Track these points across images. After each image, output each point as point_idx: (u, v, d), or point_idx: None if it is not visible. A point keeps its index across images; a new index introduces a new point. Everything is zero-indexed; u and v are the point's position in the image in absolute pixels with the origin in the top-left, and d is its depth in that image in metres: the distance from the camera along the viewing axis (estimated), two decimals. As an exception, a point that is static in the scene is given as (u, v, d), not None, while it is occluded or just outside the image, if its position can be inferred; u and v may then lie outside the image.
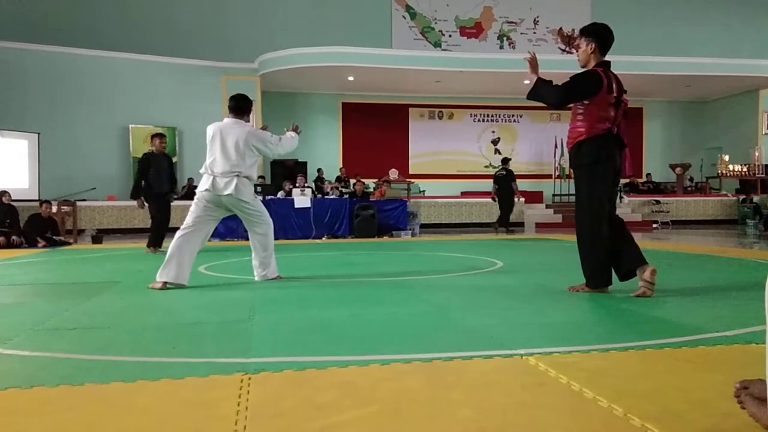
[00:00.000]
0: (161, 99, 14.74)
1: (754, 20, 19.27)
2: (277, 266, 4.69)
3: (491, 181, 12.66)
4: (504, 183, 12.30)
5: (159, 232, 7.75)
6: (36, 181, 13.19)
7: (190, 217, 4.35)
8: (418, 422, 1.57)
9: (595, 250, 3.67)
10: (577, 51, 3.82)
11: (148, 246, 7.71)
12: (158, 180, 7.61)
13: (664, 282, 3.91)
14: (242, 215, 4.50)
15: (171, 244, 4.28)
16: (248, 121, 4.65)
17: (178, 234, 4.31)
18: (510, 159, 13.42)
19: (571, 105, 3.72)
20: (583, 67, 3.76)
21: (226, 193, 4.29)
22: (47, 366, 2.20)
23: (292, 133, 4.82)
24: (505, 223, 12.26)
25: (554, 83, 3.69)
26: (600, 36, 3.70)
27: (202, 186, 4.35)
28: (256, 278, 4.59)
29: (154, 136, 7.87)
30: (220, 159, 4.33)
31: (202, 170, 4.43)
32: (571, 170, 4.02)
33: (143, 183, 7.63)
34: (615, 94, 3.61)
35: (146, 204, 7.71)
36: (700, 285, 4.15)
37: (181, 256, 4.21)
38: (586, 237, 3.72)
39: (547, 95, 3.67)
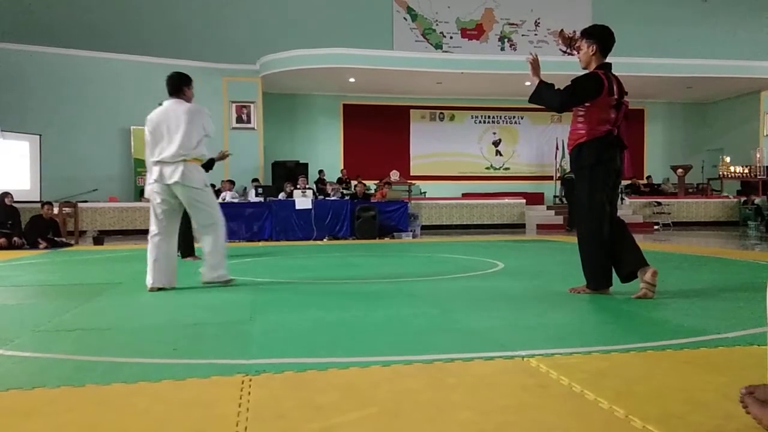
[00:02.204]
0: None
1: (756, 22, 19.26)
2: (228, 269, 4.33)
3: (492, 182, 12.66)
4: (572, 185, 12.60)
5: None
6: (37, 182, 13.22)
7: (152, 221, 4.15)
8: (418, 424, 1.57)
9: (596, 252, 3.67)
10: (578, 53, 3.83)
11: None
12: None
13: (665, 284, 3.91)
14: (189, 205, 4.16)
15: (148, 253, 4.15)
16: (190, 99, 4.30)
17: (149, 242, 4.17)
18: None
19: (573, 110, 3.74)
20: (584, 68, 3.77)
21: (172, 181, 4.05)
22: (48, 367, 2.20)
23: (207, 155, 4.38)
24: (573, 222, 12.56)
25: (556, 86, 3.69)
26: (601, 38, 3.71)
27: (151, 178, 4.12)
28: (202, 280, 4.27)
29: None
30: (166, 144, 4.09)
31: (148, 161, 4.19)
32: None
33: None
34: (616, 96, 3.62)
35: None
36: (702, 287, 4.14)
37: (160, 263, 4.09)
38: (586, 238, 3.72)
39: (549, 99, 3.67)
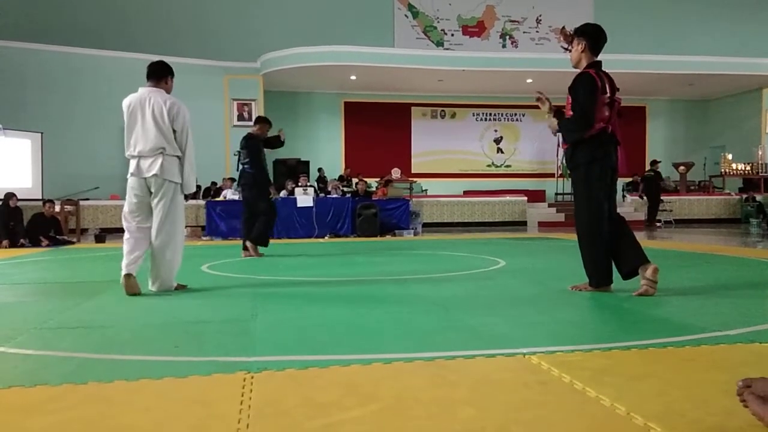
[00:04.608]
0: (164, 98, 14.74)
1: (758, 19, 19.21)
2: (174, 278, 4.02)
3: (493, 180, 12.65)
4: (651, 183, 13.68)
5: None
6: (39, 180, 13.22)
7: (131, 218, 3.88)
8: (420, 421, 1.57)
9: (596, 249, 3.67)
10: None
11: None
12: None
13: (666, 281, 3.90)
14: (160, 201, 3.83)
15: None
16: (169, 91, 4.06)
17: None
18: (659, 161, 14.41)
19: (567, 106, 3.75)
20: (574, 66, 3.80)
21: (149, 174, 3.78)
22: (50, 364, 2.20)
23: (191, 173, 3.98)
24: (652, 218, 13.66)
25: (566, 117, 3.73)
26: (591, 36, 3.72)
27: (129, 171, 3.88)
28: (152, 288, 3.94)
29: (261, 120, 6.74)
30: (141, 136, 3.82)
31: (126, 154, 3.92)
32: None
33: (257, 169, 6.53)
34: (608, 94, 3.63)
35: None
36: (703, 284, 4.14)
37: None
38: (586, 236, 3.72)
39: (573, 130, 3.71)
